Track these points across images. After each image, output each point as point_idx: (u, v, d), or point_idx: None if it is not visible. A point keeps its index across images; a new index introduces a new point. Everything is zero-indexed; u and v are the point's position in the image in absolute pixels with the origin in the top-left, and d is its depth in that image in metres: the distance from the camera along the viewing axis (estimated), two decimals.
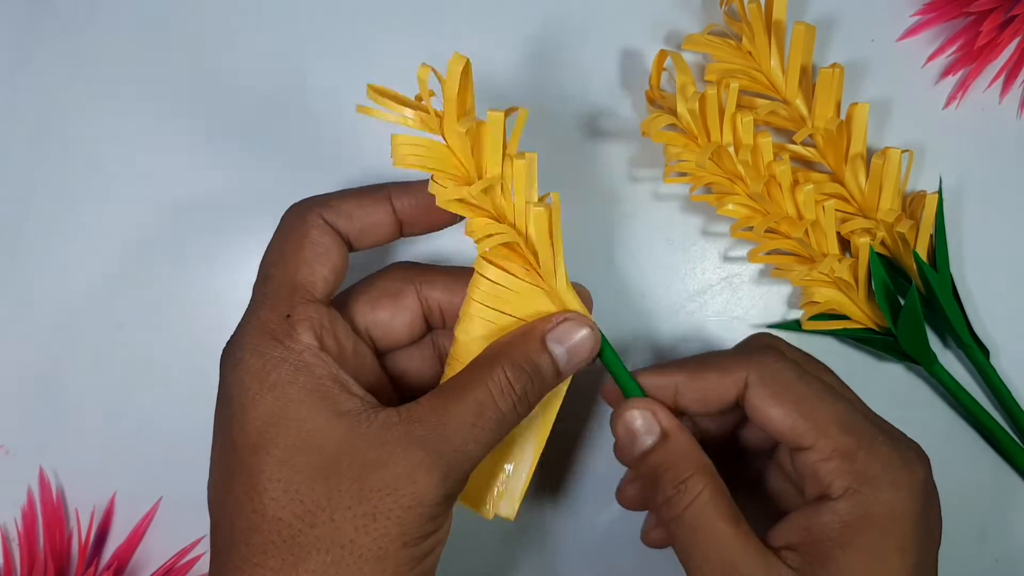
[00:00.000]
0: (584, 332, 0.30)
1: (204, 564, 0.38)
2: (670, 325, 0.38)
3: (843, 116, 0.36)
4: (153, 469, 0.38)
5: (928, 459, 0.30)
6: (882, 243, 0.36)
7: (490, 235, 0.29)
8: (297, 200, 0.31)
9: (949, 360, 0.37)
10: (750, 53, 0.36)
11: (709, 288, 0.38)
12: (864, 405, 0.31)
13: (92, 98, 0.39)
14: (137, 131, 0.39)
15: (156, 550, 0.38)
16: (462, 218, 0.30)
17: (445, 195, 0.29)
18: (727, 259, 0.38)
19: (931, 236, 0.36)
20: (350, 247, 0.31)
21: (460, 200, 0.29)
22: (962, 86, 0.37)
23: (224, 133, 0.39)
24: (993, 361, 0.36)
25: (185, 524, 0.38)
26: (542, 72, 0.38)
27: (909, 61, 0.38)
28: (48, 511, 0.37)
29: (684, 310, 0.38)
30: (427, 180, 0.30)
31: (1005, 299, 0.37)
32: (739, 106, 0.35)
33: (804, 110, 0.36)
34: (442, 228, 0.33)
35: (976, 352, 0.36)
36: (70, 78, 0.39)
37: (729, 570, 0.28)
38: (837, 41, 0.38)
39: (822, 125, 0.35)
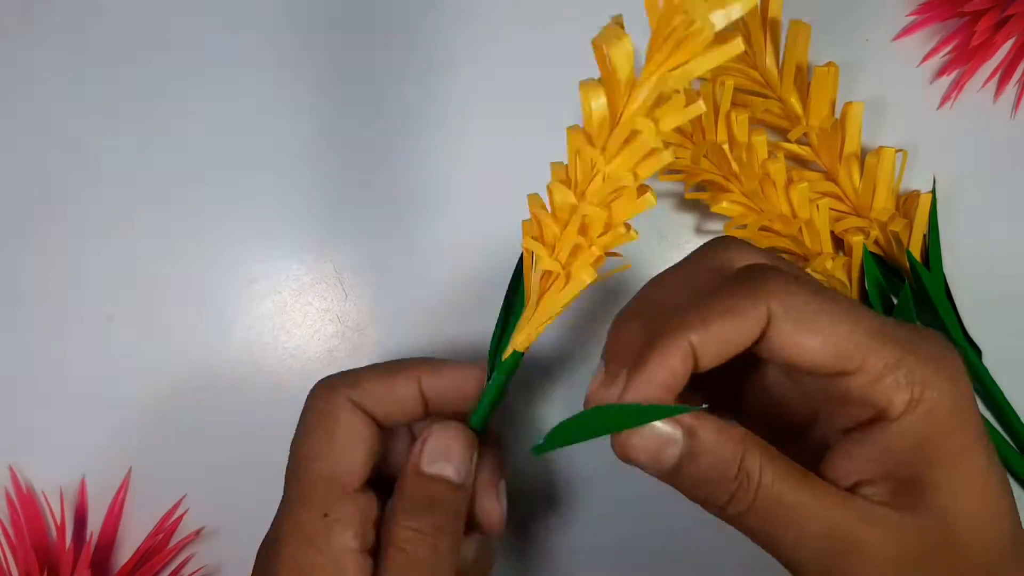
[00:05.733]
0: (452, 432, 0.29)
1: (188, 522, 0.37)
2: None
3: (838, 115, 0.36)
4: (117, 445, 0.38)
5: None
6: (875, 242, 0.36)
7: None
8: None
9: None
10: (746, 51, 0.36)
11: None
12: (870, 307, 0.27)
13: (83, 90, 0.39)
14: (130, 123, 0.39)
15: (139, 521, 0.37)
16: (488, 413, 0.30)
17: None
18: None
19: (924, 235, 0.36)
20: (379, 426, 0.30)
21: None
22: (956, 86, 0.37)
23: (220, 126, 0.39)
24: (985, 361, 0.36)
25: (161, 490, 0.37)
26: (537, 69, 0.38)
27: (904, 61, 0.38)
28: (27, 508, 0.36)
29: None
30: (456, 363, 0.30)
31: (998, 299, 0.37)
32: (734, 104, 0.35)
33: (799, 108, 0.36)
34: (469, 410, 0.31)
35: (969, 352, 0.36)
36: (63, 70, 0.39)
37: (829, 534, 0.24)
38: (832, 40, 0.38)
39: (817, 124, 0.35)
